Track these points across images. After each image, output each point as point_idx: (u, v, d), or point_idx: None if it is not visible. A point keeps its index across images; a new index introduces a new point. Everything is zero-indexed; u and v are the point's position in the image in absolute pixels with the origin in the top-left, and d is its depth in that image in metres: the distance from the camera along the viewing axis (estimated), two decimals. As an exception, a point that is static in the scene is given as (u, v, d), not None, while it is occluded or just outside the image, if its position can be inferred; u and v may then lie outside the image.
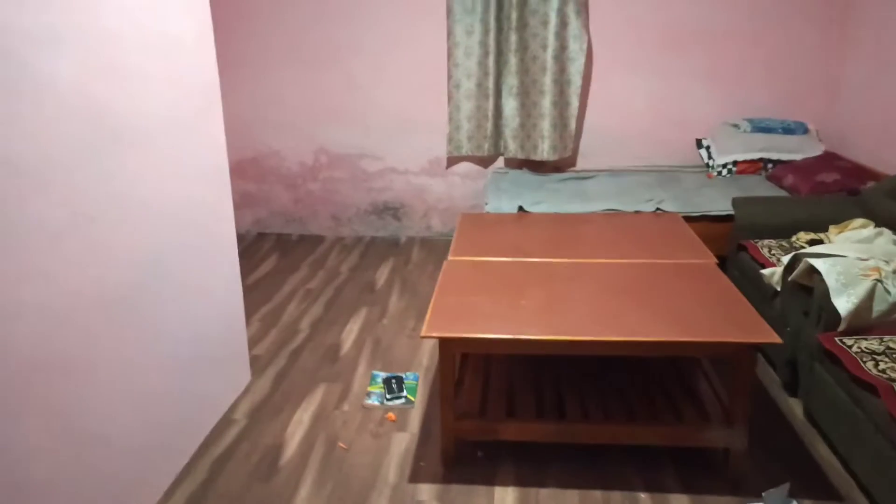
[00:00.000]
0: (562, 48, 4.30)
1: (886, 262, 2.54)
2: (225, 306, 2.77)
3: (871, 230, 2.95)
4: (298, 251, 4.68)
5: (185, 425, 2.46)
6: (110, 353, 2.00)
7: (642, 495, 2.26)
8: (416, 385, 2.94)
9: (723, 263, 3.02)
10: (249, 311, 3.51)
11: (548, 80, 4.32)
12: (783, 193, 3.87)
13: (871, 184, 3.55)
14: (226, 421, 2.70)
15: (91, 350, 1.92)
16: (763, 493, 2.16)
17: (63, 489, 1.81)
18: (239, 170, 4.83)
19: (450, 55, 4.42)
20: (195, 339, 2.50)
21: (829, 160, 3.96)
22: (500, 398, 2.54)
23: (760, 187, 4.00)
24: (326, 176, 4.89)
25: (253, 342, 3.30)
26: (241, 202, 4.90)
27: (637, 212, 3.71)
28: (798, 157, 4.14)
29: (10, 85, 1.60)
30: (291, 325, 3.56)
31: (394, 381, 2.95)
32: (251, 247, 4.76)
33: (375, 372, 3.05)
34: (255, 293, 3.92)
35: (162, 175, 2.25)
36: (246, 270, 4.10)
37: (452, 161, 4.76)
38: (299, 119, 4.77)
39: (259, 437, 2.61)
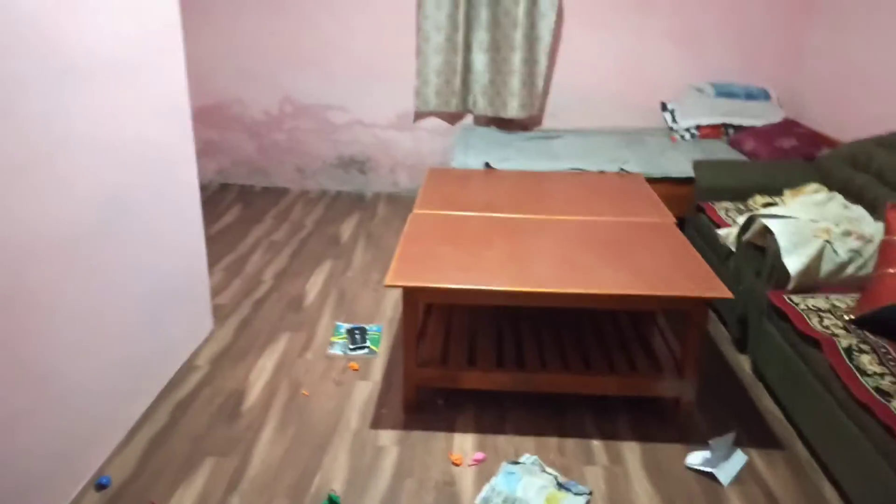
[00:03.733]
0: (533, 4, 4.26)
1: (836, 224, 2.63)
2: (187, 251, 2.74)
3: (824, 195, 3.04)
4: (262, 202, 4.63)
5: (147, 369, 2.46)
6: (71, 292, 1.98)
7: (595, 442, 2.35)
8: (380, 336, 2.97)
9: (682, 224, 3.10)
10: (212, 261, 3.48)
11: (518, 36, 4.29)
12: (743, 158, 3.96)
13: (826, 150, 3.65)
14: (188, 367, 2.70)
15: (51, 288, 1.89)
16: (710, 442, 2.26)
17: (22, 426, 1.80)
18: (202, 116, 4.71)
19: (419, 7, 4.34)
20: (156, 283, 2.47)
21: (788, 127, 4.05)
22: (462, 348, 2.59)
23: (721, 151, 4.08)
24: (292, 126, 4.81)
25: (216, 291, 3.28)
26: (204, 150, 4.80)
27: (601, 171, 3.76)
28: (759, 122, 4.22)
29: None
30: (255, 275, 3.54)
31: (357, 331, 2.98)
32: (214, 197, 4.69)
33: (339, 323, 3.07)
34: (218, 243, 3.88)
35: (121, 113, 2.20)
36: (209, 220, 4.02)
37: (420, 116, 4.73)
38: (265, 67, 4.66)
39: (222, 382, 2.62)
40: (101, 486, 2.08)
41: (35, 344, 1.84)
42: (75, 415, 2.03)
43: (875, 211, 2.82)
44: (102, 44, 2.08)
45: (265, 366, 2.74)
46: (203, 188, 4.11)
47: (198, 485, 2.11)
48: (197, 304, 2.87)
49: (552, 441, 2.35)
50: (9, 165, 1.70)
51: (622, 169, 3.78)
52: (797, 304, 2.39)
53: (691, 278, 2.33)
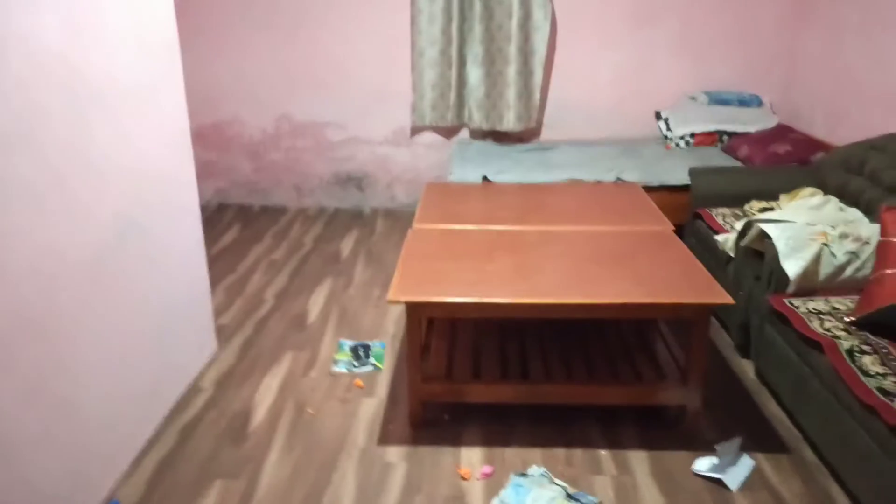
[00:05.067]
0: (526, 16, 4.31)
1: (833, 227, 2.65)
2: (190, 273, 2.75)
3: (819, 198, 3.07)
4: (261, 222, 4.64)
5: (152, 394, 2.46)
6: (85, 318, 2.01)
7: (603, 452, 2.35)
8: (383, 352, 2.98)
9: (680, 231, 3.12)
10: (213, 282, 3.48)
11: (513, 49, 4.33)
12: (738, 164, 3.99)
13: (820, 155, 3.68)
14: (193, 389, 2.70)
15: (69, 314, 1.93)
16: (716, 447, 2.27)
17: (34, 451, 1.80)
18: (199, 138, 4.72)
19: (413, 22, 4.39)
20: (161, 306, 2.48)
21: (782, 132, 4.08)
22: (466, 361, 2.60)
23: (717, 158, 4.11)
24: (289, 145, 4.83)
25: (218, 312, 3.29)
26: (202, 172, 4.78)
27: (598, 181, 3.79)
28: (753, 129, 4.26)
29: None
30: (256, 294, 3.55)
31: (361, 348, 2.98)
32: (212, 217, 4.70)
33: (342, 340, 3.08)
34: (219, 264, 3.89)
35: (125, 138, 2.23)
36: (208, 241, 4.00)
37: (416, 131, 4.76)
38: (261, 86, 4.69)
39: (227, 404, 2.62)
40: (110, 512, 2.08)
41: (50, 370, 1.86)
42: (85, 440, 2.04)
43: (871, 213, 2.84)
44: (109, 70, 2.13)
45: (270, 385, 2.74)
46: (202, 209, 4.12)
47: (207, 507, 2.11)
48: (200, 325, 2.87)
49: (560, 452, 2.35)
50: (32, 193, 1.75)
51: (619, 178, 3.80)
52: (798, 308, 2.40)
53: (693, 285, 2.34)
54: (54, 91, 1.86)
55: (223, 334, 3.11)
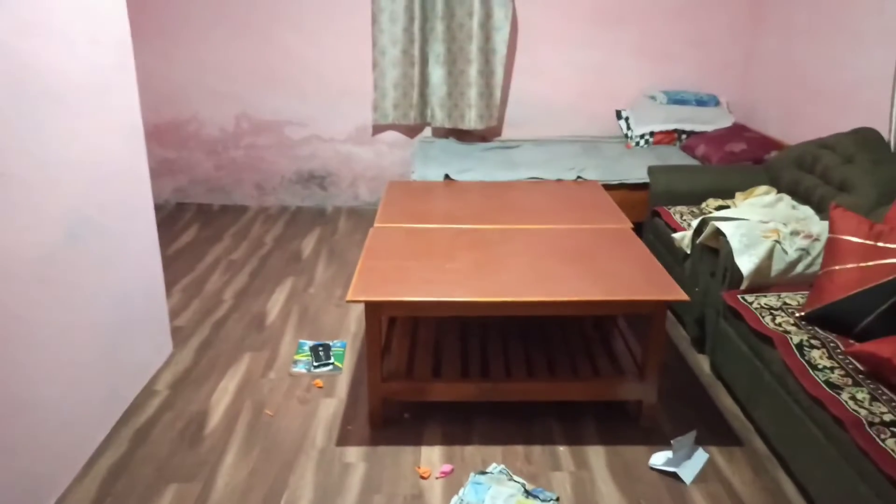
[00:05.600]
0: (487, 16, 4.32)
1: (785, 224, 2.72)
2: (144, 273, 2.69)
3: (773, 196, 3.14)
4: (221, 221, 4.57)
5: (105, 395, 2.40)
6: (35, 316, 1.96)
7: (561, 448, 2.37)
8: (344, 352, 2.96)
9: (639, 229, 3.17)
10: (170, 282, 3.42)
11: (474, 49, 4.33)
12: (695, 163, 4.06)
13: (774, 153, 3.77)
14: (147, 392, 2.64)
15: (19, 313, 1.88)
16: (672, 441, 2.30)
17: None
18: (157, 135, 4.64)
19: (374, 20, 4.36)
20: (114, 306, 2.43)
21: (737, 131, 4.17)
22: (427, 359, 2.59)
23: (675, 157, 4.18)
24: (249, 142, 4.77)
25: (174, 313, 3.23)
26: (160, 170, 4.73)
27: (559, 180, 3.82)
28: (710, 128, 4.34)
29: None
30: (215, 295, 3.49)
31: (321, 348, 2.96)
32: (171, 216, 4.61)
33: (302, 340, 3.05)
34: (176, 264, 3.81)
35: (76, 134, 2.18)
36: (166, 241, 3.98)
37: (379, 129, 4.74)
38: (220, 83, 4.62)
39: (183, 406, 2.57)
40: (58, 519, 2.03)
41: (1, 372, 1.80)
42: (32, 445, 1.97)
43: (821, 210, 2.92)
44: (59, 66, 2.08)
45: (227, 387, 2.70)
46: (160, 208, 4.05)
47: (160, 512, 2.07)
48: (156, 326, 2.81)
49: (519, 449, 2.36)
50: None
51: (580, 177, 3.84)
52: (750, 304, 2.46)
53: (650, 282, 2.38)
54: (1, 86, 1.80)
55: (180, 335, 3.05)
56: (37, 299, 1.97)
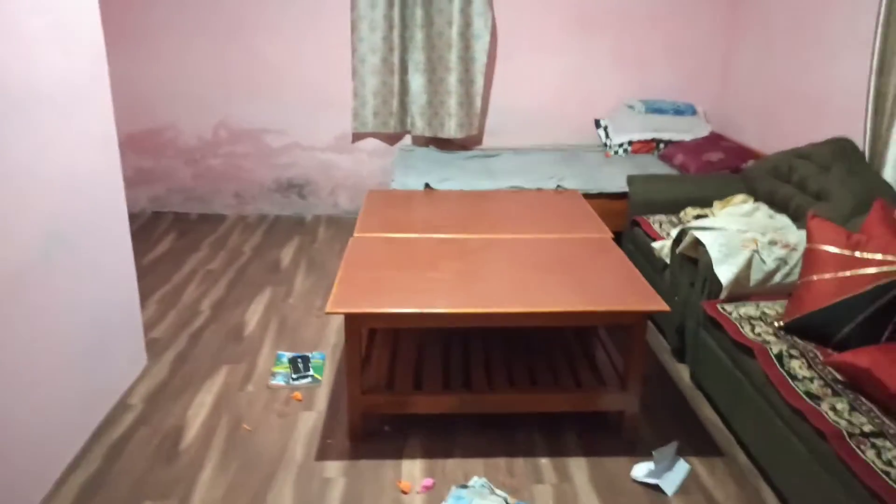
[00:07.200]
0: (466, 25, 4.32)
1: (763, 234, 2.74)
2: (117, 284, 2.64)
3: (750, 205, 3.17)
4: (198, 231, 4.50)
5: (78, 410, 2.34)
6: (6, 330, 1.91)
7: (544, 460, 2.36)
8: (323, 364, 2.92)
9: (619, 238, 3.17)
10: (145, 294, 3.36)
11: (454, 57, 4.33)
12: (674, 172, 4.09)
13: (751, 162, 3.81)
14: (121, 406, 2.58)
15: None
16: (653, 452, 2.30)
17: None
18: (133, 144, 4.57)
19: (354, 28, 4.34)
20: (86, 319, 2.37)
21: (715, 140, 4.21)
22: (408, 372, 2.56)
23: (653, 166, 4.20)
24: (228, 151, 4.71)
25: (150, 325, 3.17)
26: (136, 179, 4.65)
27: (539, 189, 3.82)
28: (687, 137, 4.38)
29: None
30: (191, 306, 3.43)
31: (300, 360, 2.92)
32: (147, 226, 4.54)
33: (281, 352, 3.00)
34: (152, 275, 3.75)
35: (47, 145, 2.13)
36: (142, 251, 3.91)
37: (359, 137, 4.71)
38: (197, 91, 4.56)
39: (158, 421, 2.51)
40: (27, 541, 1.96)
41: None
42: (9, 457, 1.92)
43: (798, 219, 2.94)
44: (31, 74, 2.04)
45: (204, 401, 2.65)
46: (135, 217, 3.97)
47: (134, 532, 2.02)
48: (129, 338, 2.76)
49: (501, 462, 2.34)
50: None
51: (559, 186, 3.85)
52: (730, 314, 2.46)
53: (630, 292, 2.37)
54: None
55: (155, 348, 2.99)
56: (7, 315, 1.91)
